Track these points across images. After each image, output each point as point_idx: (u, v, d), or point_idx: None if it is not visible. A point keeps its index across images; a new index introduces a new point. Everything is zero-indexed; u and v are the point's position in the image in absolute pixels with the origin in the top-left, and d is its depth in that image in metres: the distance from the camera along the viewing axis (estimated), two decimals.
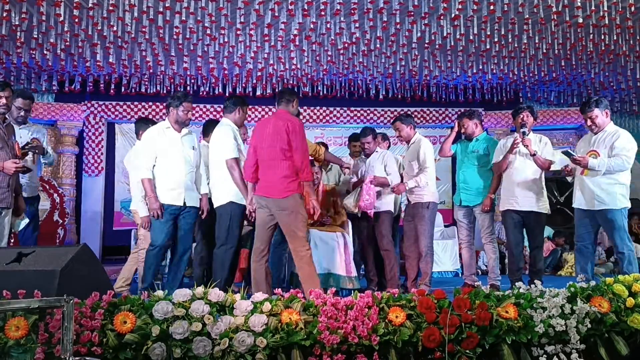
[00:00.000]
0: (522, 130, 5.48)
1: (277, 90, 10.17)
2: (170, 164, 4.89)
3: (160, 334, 2.69)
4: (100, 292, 2.89)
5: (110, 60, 8.43)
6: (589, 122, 4.98)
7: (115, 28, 7.34)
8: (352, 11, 7.14)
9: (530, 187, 5.39)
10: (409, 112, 10.20)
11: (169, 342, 2.69)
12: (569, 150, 5.00)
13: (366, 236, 5.95)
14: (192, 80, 10.09)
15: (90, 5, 6.64)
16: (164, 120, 5.17)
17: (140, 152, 4.98)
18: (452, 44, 8.08)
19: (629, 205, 4.93)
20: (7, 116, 4.56)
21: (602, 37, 7.88)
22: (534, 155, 5.31)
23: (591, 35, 8.00)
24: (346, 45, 8.31)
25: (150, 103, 10.43)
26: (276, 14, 7.02)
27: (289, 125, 4.49)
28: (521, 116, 5.56)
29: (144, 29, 7.34)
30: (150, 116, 10.36)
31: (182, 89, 10.17)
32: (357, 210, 5.76)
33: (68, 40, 7.88)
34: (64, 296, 2.37)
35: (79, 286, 3.11)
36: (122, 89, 9.98)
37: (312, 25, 7.59)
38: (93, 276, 3.39)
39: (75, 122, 10.28)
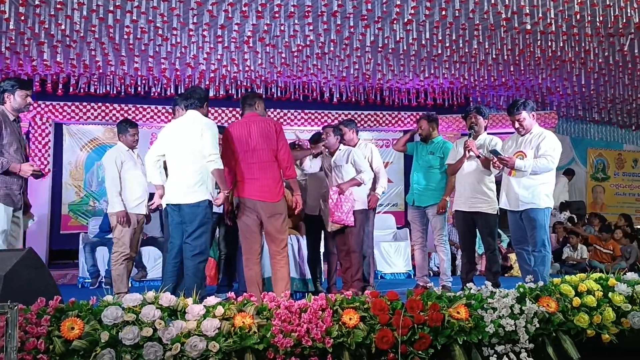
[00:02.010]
0: (469, 131, 5.61)
1: (230, 92, 10.14)
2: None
3: (109, 339, 2.63)
4: (46, 297, 2.81)
5: (58, 59, 8.19)
6: (516, 125, 5.07)
7: (63, 26, 7.14)
8: (306, 14, 7.14)
9: (477, 189, 5.49)
10: (352, 116, 10.33)
11: (118, 348, 2.64)
12: (497, 150, 5.06)
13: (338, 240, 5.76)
14: (143, 81, 9.90)
15: (37, 2, 6.46)
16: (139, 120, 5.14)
17: (213, 142, 4.55)
18: (405, 48, 8.16)
19: (552, 205, 5.04)
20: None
21: (549, 44, 8.11)
22: (479, 157, 5.42)
23: (539, 42, 8.22)
24: (300, 47, 8.31)
25: (100, 104, 10.17)
26: (230, 15, 6.96)
27: (276, 126, 4.70)
28: (470, 117, 5.69)
29: (93, 28, 7.16)
30: (99, 117, 10.15)
31: (132, 90, 10.00)
32: (333, 228, 5.57)
33: (13, 38, 7.61)
34: (7, 302, 2.29)
35: (24, 292, 3.02)
36: (70, 89, 9.71)
37: (265, 27, 7.56)
38: (39, 281, 3.30)
39: (21, 123, 9.95)
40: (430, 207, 5.89)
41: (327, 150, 5.84)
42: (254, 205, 4.60)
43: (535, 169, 4.86)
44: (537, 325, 3.09)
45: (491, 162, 5.09)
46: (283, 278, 4.59)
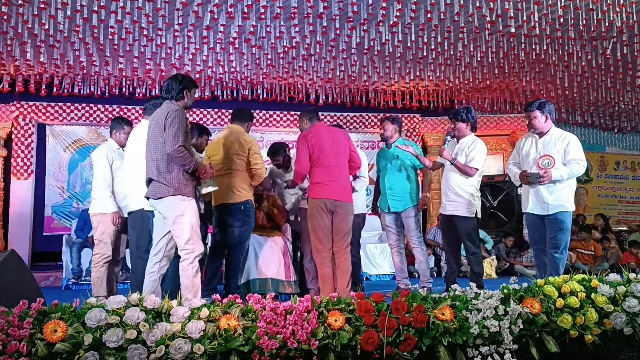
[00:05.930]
0: (445, 137, 5.68)
1: (215, 93, 10.12)
2: None
3: (93, 342, 2.60)
4: (29, 299, 2.78)
5: (41, 59, 8.11)
6: (531, 121, 5.05)
7: (47, 26, 7.08)
8: (292, 15, 7.14)
9: (456, 192, 5.55)
10: (338, 118, 10.49)
11: (102, 351, 2.61)
12: (534, 172, 4.93)
13: None
14: (128, 82, 9.84)
15: (20, 2, 6.40)
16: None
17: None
18: (390, 50, 8.19)
19: (574, 208, 5.06)
20: None
21: (533, 47, 8.17)
22: (452, 162, 5.47)
23: (523, 45, 8.28)
24: (286, 49, 8.31)
25: (84, 105, 10.10)
26: (215, 17, 6.94)
27: (347, 135, 5.16)
28: (450, 123, 5.76)
29: (77, 28, 7.11)
30: (83, 118, 10.08)
31: (117, 91, 9.94)
32: None
33: None
34: None
35: (6, 294, 3.00)
36: (54, 90, 9.63)
37: (251, 29, 7.54)
38: (21, 283, 3.27)
39: (4, 124, 9.85)
40: (405, 211, 5.89)
41: None
42: (333, 205, 4.85)
43: (570, 176, 4.90)
44: (521, 326, 3.10)
45: (524, 177, 4.99)
46: (348, 269, 4.89)
